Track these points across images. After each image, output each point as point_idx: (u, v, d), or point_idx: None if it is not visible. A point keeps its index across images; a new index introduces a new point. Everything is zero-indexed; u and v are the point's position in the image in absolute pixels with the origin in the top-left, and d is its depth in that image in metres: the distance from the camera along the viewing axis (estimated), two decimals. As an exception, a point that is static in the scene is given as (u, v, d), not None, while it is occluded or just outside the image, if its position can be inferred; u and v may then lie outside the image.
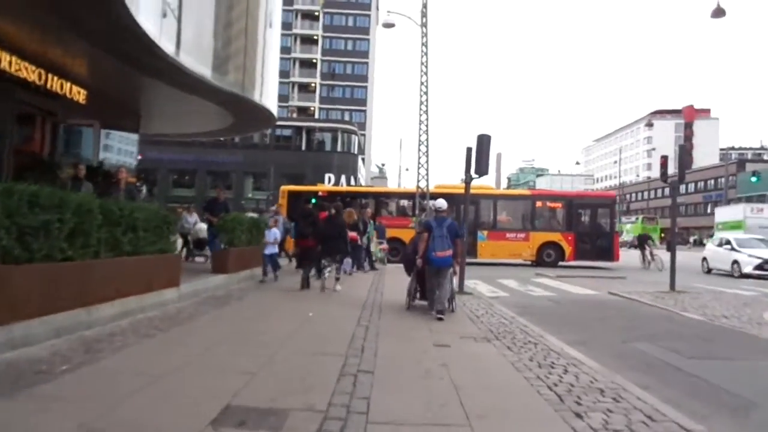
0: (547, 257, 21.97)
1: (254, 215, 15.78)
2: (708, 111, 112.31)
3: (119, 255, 6.72)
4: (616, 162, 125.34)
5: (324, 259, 11.09)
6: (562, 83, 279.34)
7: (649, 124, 74.05)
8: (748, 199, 67.49)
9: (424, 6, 17.71)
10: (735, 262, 19.45)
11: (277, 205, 21.58)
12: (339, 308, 8.62)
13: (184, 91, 11.79)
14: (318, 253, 11.49)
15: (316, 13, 71.82)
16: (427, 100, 17.46)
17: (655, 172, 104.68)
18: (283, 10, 68.77)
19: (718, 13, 17.54)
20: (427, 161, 17.74)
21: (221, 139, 50.97)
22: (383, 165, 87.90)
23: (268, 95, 13.69)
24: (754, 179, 45.57)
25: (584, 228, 22.69)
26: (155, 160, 51.91)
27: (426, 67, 17.63)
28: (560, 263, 21.98)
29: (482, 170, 11.49)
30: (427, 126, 17.62)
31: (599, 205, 23.57)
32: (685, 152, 12.75)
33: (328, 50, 72.32)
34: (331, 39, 72.52)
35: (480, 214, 22.66)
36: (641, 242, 24.21)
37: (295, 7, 71.65)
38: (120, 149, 14.09)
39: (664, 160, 13.44)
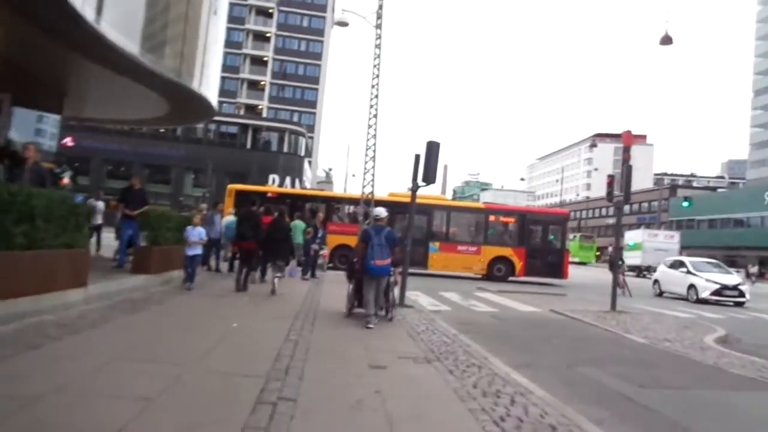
0: (497, 272, 21.57)
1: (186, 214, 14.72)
2: (644, 137, 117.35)
3: (10, 248, 5.76)
4: (557, 180, 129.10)
5: (268, 262, 11.24)
6: (508, 101, 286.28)
7: (593, 145, 76.58)
8: (679, 223, 70.91)
9: (380, 7, 17.20)
10: (692, 286, 18.94)
11: (219, 204, 20.40)
12: (269, 318, 7.88)
13: (113, 71, 10.75)
14: (259, 256, 11.60)
15: (270, 11, 70.34)
16: (377, 104, 16.91)
17: (595, 192, 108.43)
18: (237, 5, 66.90)
19: (666, 40, 17.88)
20: (374, 166, 17.17)
21: (161, 130, 49.02)
22: (330, 170, 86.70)
23: (208, 85, 12.76)
24: (685, 204, 47.68)
25: (535, 244, 22.43)
26: (89, 148, 49.22)
27: (378, 70, 17.08)
28: (510, 278, 21.72)
29: (430, 179, 11.00)
30: (375, 130, 17.07)
31: (551, 222, 23.33)
32: (630, 173, 12.70)
33: (281, 49, 70.83)
34: (285, 38, 71.12)
35: (433, 225, 22.25)
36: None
37: (249, 2, 69.99)
38: (39, 130, 12.80)
39: (611, 179, 13.38)
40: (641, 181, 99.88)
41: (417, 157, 11.16)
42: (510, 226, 23.07)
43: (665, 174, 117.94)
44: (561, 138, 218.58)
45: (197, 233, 10.27)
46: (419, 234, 21.76)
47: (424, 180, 11.05)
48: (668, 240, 43.87)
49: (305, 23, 71.46)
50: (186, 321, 7.33)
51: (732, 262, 56.98)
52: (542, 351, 7.91)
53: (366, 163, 17.08)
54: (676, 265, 20.70)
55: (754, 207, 59.60)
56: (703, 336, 9.84)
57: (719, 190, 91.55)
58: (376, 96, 16.96)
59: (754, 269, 45.17)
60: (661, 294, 20.83)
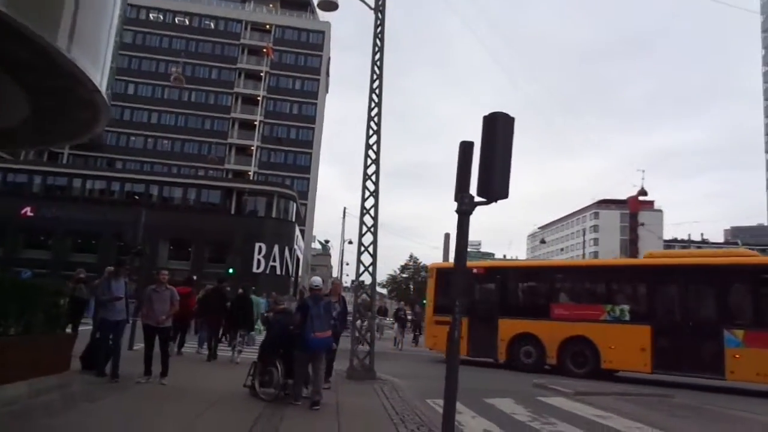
0: None
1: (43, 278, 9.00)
2: (652, 203, 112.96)
3: None
4: (562, 249, 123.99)
5: (231, 332, 12.94)
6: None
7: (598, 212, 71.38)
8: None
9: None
10: None
11: (125, 265, 14.48)
12: None
13: None
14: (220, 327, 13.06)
15: (261, 74, 67.16)
16: (379, 112, 11.61)
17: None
18: (225, 68, 63.13)
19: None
20: (376, 203, 11.50)
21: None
22: (327, 242, 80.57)
23: (84, 53, 7.17)
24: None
25: None
26: (51, 219, 43.98)
27: (380, 68, 11.92)
28: None
29: (497, 190, 5.48)
30: (377, 154, 11.66)
31: None
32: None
33: (271, 112, 67.00)
34: (276, 101, 67.41)
35: (729, 301, 13.53)
36: None
37: (239, 65, 67.01)
38: None
39: None
40: (650, 248, 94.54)
41: (464, 147, 5.67)
42: None
43: (675, 240, 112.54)
44: (563, 204, 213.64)
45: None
46: (707, 317, 13.36)
47: (483, 193, 5.51)
48: None
49: (297, 86, 68.05)
50: None
51: None
52: None
53: (365, 200, 11.46)
54: None
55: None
56: None
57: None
58: (378, 104, 11.69)
59: None
60: None
